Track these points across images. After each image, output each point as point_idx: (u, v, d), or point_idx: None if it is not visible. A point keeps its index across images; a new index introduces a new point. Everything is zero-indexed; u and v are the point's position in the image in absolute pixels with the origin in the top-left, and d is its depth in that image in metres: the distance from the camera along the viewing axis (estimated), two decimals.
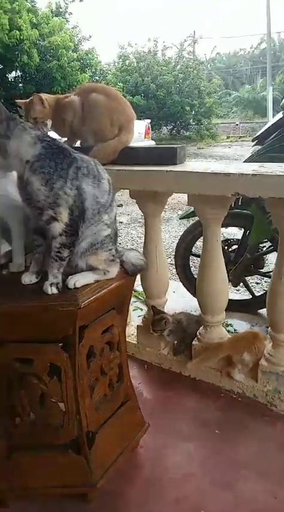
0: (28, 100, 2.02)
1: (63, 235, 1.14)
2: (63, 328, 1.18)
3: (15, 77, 14.48)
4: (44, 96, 2.01)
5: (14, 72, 14.27)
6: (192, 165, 1.92)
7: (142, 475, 1.45)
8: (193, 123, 18.26)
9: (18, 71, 14.08)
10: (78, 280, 1.18)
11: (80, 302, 1.13)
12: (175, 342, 1.98)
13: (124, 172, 1.80)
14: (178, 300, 2.61)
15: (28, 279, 1.21)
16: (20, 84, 14.44)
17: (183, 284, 2.72)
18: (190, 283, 2.64)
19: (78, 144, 2.02)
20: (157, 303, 2.04)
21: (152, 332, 1.94)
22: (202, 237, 1.93)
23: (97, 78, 15.67)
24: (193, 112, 17.28)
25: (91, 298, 1.17)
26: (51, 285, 1.15)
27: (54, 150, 1.13)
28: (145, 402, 1.70)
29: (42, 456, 1.32)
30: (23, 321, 1.18)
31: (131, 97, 16.21)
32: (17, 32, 12.25)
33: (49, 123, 2.02)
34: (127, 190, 1.95)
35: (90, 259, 1.21)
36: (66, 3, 15.40)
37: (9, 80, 14.42)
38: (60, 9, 15.32)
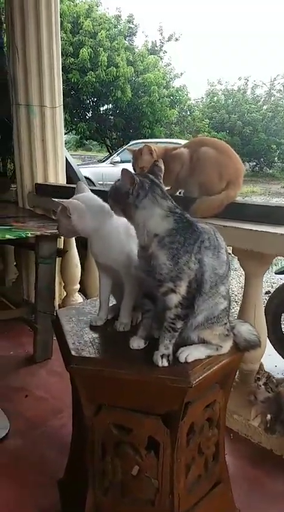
0: (137, 149, 2.06)
1: (178, 307, 1.08)
2: (168, 403, 1.11)
3: (107, 109, 15.32)
4: (153, 147, 2.04)
5: (105, 105, 15.12)
6: None
7: None
8: (278, 161, 17.83)
9: (110, 104, 14.88)
10: (190, 354, 1.11)
11: (192, 380, 1.06)
12: (269, 417, 1.81)
13: (232, 230, 1.73)
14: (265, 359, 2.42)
15: (136, 344, 1.17)
16: (111, 117, 15.23)
17: (273, 344, 2.54)
18: (282, 344, 2.45)
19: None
20: (250, 367, 1.90)
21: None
22: None
23: (184, 113, 16.06)
24: (280, 150, 16.90)
25: (202, 377, 1.09)
26: (162, 356, 1.09)
27: (185, 224, 1.09)
28: (232, 480, 1.55)
29: None
30: (127, 388, 1.13)
31: (216, 133, 16.33)
32: (114, 68, 13.05)
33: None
34: None
35: (204, 333, 1.14)
36: (162, 42, 16.14)
37: (101, 112, 15.29)
38: (156, 48, 16.08)
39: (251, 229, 1.70)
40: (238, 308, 1.95)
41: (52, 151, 2.88)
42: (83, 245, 2.87)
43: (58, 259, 2.63)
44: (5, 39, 3.05)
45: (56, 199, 1.22)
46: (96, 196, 1.29)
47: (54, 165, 2.91)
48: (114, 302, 1.41)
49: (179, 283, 1.06)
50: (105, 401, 1.16)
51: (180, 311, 1.09)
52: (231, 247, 1.85)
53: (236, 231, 1.74)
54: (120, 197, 1.09)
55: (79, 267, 2.87)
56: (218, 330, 1.14)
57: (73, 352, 1.13)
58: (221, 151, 1.91)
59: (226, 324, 1.16)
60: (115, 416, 1.16)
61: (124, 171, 1.07)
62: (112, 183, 1.15)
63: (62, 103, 2.91)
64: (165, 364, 1.09)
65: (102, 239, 1.24)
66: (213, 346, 1.15)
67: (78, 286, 2.94)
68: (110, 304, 1.37)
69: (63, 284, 2.98)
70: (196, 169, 1.91)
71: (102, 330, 1.29)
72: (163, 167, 1.16)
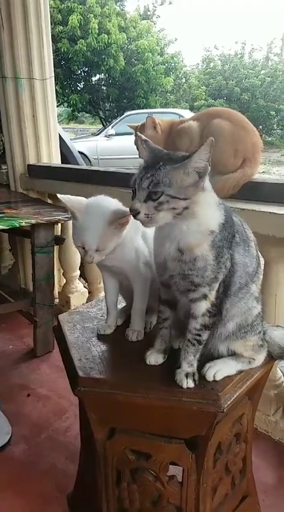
0: (140, 124, 1.84)
1: (206, 316, 0.91)
2: (194, 429, 0.95)
3: (99, 79, 14.74)
4: (157, 119, 1.81)
5: (98, 75, 14.54)
6: None
7: None
8: (277, 128, 17.36)
9: (102, 74, 14.31)
10: (219, 371, 0.95)
11: (222, 403, 0.90)
12: None
13: (251, 213, 1.54)
14: None
15: (154, 359, 1.00)
16: (104, 87, 14.68)
17: None
18: None
19: None
20: None
21: None
22: None
23: (180, 81, 15.50)
24: (279, 117, 16.43)
25: (234, 398, 0.93)
26: (186, 375, 0.92)
27: (229, 215, 0.91)
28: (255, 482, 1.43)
29: None
30: (145, 413, 0.97)
31: (213, 100, 15.83)
32: (106, 35, 12.45)
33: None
34: None
35: (235, 344, 0.97)
36: (155, 7, 15.39)
37: (93, 82, 14.72)
38: (148, 12, 15.35)
39: (272, 212, 1.52)
40: None
41: (44, 128, 2.64)
42: None
43: (56, 247, 2.44)
44: None
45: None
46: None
47: (47, 144, 2.67)
48: (123, 303, 1.24)
49: (213, 287, 0.89)
50: (118, 426, 1.00)
51: (207, 320, 0.91)
52: None
53: (255, 215, 1.55)
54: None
55: (78, 254, 2.68)
56: (252, 341, 0.98)
57: (80, 373, 0.96)
58: (236, 123, 1.69)
59: (260, 332, 1.00)
60: (132, 441, 1.01)
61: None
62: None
63: (53, 74, 2.64)
64: (191, 385, 0.92)
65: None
66: (245, 359, 0.99)
67: (78, 272, 2.76)
68: (119, 306, 1.20)
69: (62, 271, 2.80)
70: None
71: (112, 339, 1.12)
72: None
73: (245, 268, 0.95)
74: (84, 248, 0.98)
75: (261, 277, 1.03)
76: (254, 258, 0.98)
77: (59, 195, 1.05)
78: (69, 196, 1.03)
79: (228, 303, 0.94)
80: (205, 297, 0.89)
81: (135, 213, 0.83)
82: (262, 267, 1.03)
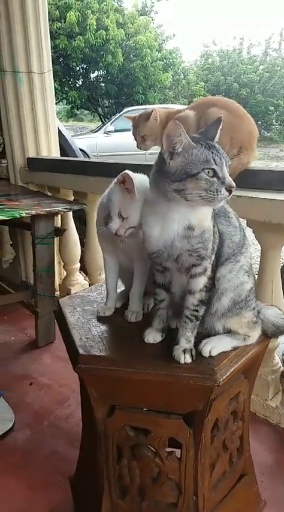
0: (137, 115, 1.86)
1: (203, 291, 0.94)
2: (192, 403, 0.98)
3: (97, 76, 14.71)
4: (155, 110, 1.83)
5: (96, 72, 14.52)
6: None
7: None
8: (276, 124, 17.35)
9: (101, 71, 14.29)
10: (214, 347, 0.97)
11: (218, 377, 0.92)
12: None
13: (247, 200, 1.57)
14: None
15: (152, 337, 1.03)
16: (102, 84, 14.65)
17: None
18: None
19: None
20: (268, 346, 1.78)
21: None
22: None
23: (178, 77, 15.46)
24: (277, 112, 16.41)
25: (230, 372, 0.95)
26: (184, 351, 0.95)
27: None
28: (254, 465, 1.46)
29: None
30: (144, 389, 0.99)
31: (212, 96, 15.77)
32: (104, 32, 12.42)
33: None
34: None
35: (231, 321, 1.00)
36: (152, 2, 15.38)
37: (92, 79, 14.69)
38: (146, 8, 15.32)
39: (267, 198, 1.54)
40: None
41: (43, 121, 2.66)
42: (82, 222, 2.70)
43: (56, 239, 2.47)
44: None
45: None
46: None
47: (46, 137, 2.69)
48: (122, 287, 1.26)
49: (212, 259, 0.93)
50: (118, 403, 1.03)
51: (204, 295, 0.95)
52: (246, 220, 1.70)
53: (251, 201, 1.58)
54: None
55: (79, 245, 2.71)
56: (247, 317, 1.01)
57: (81, 351, 0.99)
58: (232, 112, 1.71)
59: (254, 309, 1.02)
60: (131, 417, 1.04)
61: None
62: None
63: (51, 68, 2.66)
64: (188, 360, 0.95)
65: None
66: (240, 336, 1.02)
67: (78, 265, 2.79)
68: (118, 290, 1.23)
69: (62, 263, 2.83)
70: None
71: (112, 321, 1.15)
72: None
73: (231, 238, 0.99)
74: (122, 220, 1.00)
75: (250, 250, 1.05)
76: (237, 227, 1.02)
77: None
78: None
79: (218, 273, 0.97)
80: (205, 271, 0.93)
81: (232, 188, 0.86)
82: (249, 241, 1.05)
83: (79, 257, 2.75)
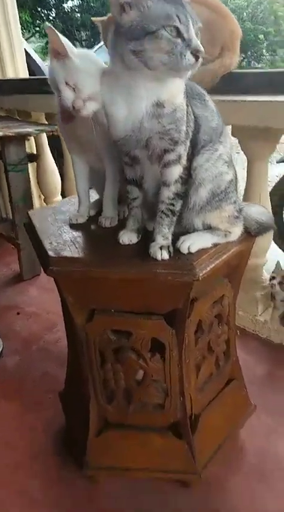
0: (107, 17, 1.68)
1: (178, 182, 0.87)
2: (172, 302, 0.95)
3: (72, 6, 13.65)
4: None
5: (70, 2, 13.43)
6: None
7: (247, 463, 1.26)
8: (267, 54, 16.50)
9: (75, 0, 13.23)
10: (193, 243, 0.92)
11: (198, 272, 0.88)
12: None
13: (231, 104, 1.46)
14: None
15: (127, 238, 0.97)
16: (78, 14, 13.63)
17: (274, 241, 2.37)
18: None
19: None
20: (255, 263, 1.76)
21: None
22: None
23: None
24: (268, 41, 15.56)
25: (209, 268, 0.91)
26: (161, 248, 0.90)
27: None
28: (244, 377, 1.48)
29: (136, 437, 1.16)
30: (122, 289, 0.95)
31: None
32: None
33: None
34: None
35: (210, 216, 0.94)
36: None
37: (66, 10, 13.63)
38: None
39: (254, 101, 1.43)
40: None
41: (6, 40, 2.44)
42: (60, 154, 2.56)
43: (32, 168, 2.35)
44: None
45: None
46: None
47: (11, 57, 2.48)
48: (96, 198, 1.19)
49: (186, 145, 0.85)
50: (97, 306, 1.00)
51: (179, 187, 0.88)
52: (230, 126, 1.59)
53: (236, 105, 1.47)
54: None
55: (58, 175, 2.59)
56: (228, 211, 0.95)
57: (51, 253, 0.93)
58: (212, 9, 1.55)
59: (235, 202, 0.96)
60: (111, 320, 1.01)
61: None
62: None
63: None
64: (166, 256, 0.90)
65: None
66: (220, 232, 0.96)
67: (59, 198, 2.68)
68: (92, 201, 1.16)
69: (43, 197, 2.72)
70: None
71: (85, 228, 1.08)
72: None
73: (208, 123, 0.91)
74: (74, 90, 0.88)
75: (229, 140, 0.97)
76: (214, 112, 0.94)
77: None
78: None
79: (195, 162, 0.90)
80: (179, 158, 0.85)
81: (199, 54, 0.74)
82: (228, 131, 0.98)
83: (59, 189, 2.65)
